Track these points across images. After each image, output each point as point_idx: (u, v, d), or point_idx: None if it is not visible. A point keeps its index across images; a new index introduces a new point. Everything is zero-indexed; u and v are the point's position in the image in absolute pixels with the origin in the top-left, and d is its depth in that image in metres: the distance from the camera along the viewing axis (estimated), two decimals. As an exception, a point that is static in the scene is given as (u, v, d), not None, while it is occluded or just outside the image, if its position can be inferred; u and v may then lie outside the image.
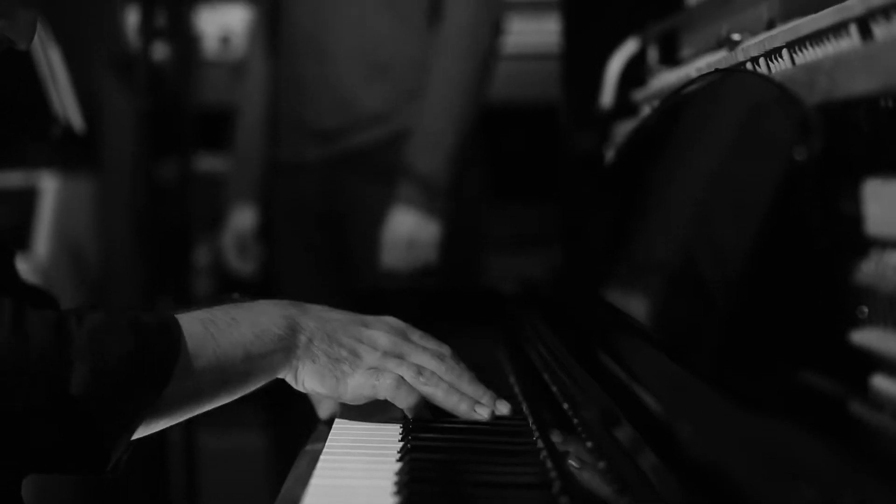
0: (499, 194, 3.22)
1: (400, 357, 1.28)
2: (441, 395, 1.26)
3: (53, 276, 3.19)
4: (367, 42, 2.77)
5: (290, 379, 1.25)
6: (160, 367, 1.12)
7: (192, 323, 1.16)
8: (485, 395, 1.29)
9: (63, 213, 3.35)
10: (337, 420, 1.31)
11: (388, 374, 1.25)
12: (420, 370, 1.27)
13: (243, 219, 3.01)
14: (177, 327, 1.14)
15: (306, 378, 1.24)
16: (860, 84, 0.98)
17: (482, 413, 1.27)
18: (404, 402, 1.24)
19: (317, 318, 1.27)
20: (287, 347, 1.23)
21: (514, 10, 3.55)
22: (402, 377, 1.25)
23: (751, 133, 1.14)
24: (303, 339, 1.24)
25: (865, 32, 1.05)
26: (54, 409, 1.05)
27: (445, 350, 1.33)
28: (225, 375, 1.18)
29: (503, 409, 1.28)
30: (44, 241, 3.26)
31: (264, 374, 1.23)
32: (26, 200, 3.31)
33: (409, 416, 1.25)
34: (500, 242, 3.47)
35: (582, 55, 2.53)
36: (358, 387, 1.24)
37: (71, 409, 1.05)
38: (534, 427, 1.22)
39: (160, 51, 3.24)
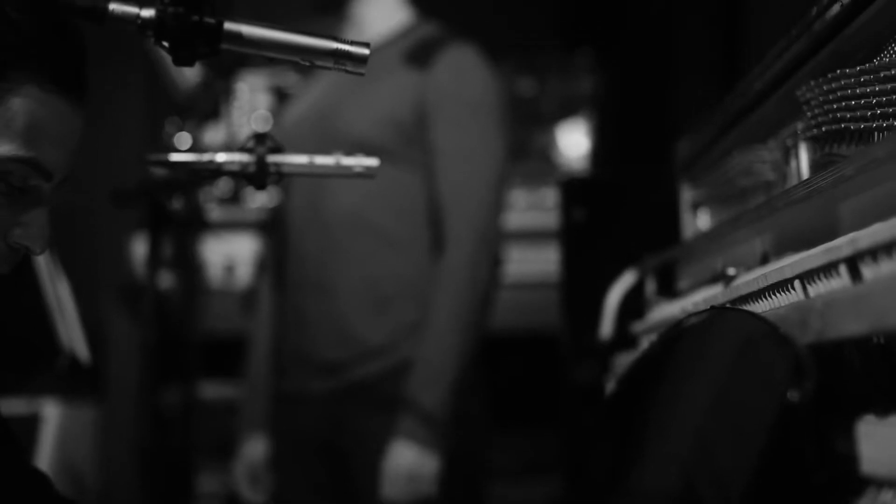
0: (499, 422, 3.21)
1: None
2: None
3: (53, 505, 3.16)
4: (369, 277, 2.81)
5: None
6: None
7: None
8: None
9: (65, 441, 3.34)
10: None
11: None
12: None
13: (254, 449, 3.00)
14: None
15: None
16: (851, 325, 1.01)
17: None
18: None
19: None
20: None
21: (513, 240, 3.60)
22: None
23: (747, 373, 1.16)
24: None
25: (855, 273, 1.08)
26: None
27: None
28: None
29: None
30: (44, 468, 3.25)
31: None
32: (28, 427, 3.31)
33: None
34: (500, 471, 3.45)
35: (581, 284, 2.57)
36: None
37: None
38: None
39: (166, 280, 3.29)
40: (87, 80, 1.28)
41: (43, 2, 1.25)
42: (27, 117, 1.21)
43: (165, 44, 1.31)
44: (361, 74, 1.39)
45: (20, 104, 1.21)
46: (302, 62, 1.37)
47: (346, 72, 1.38)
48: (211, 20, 1.32)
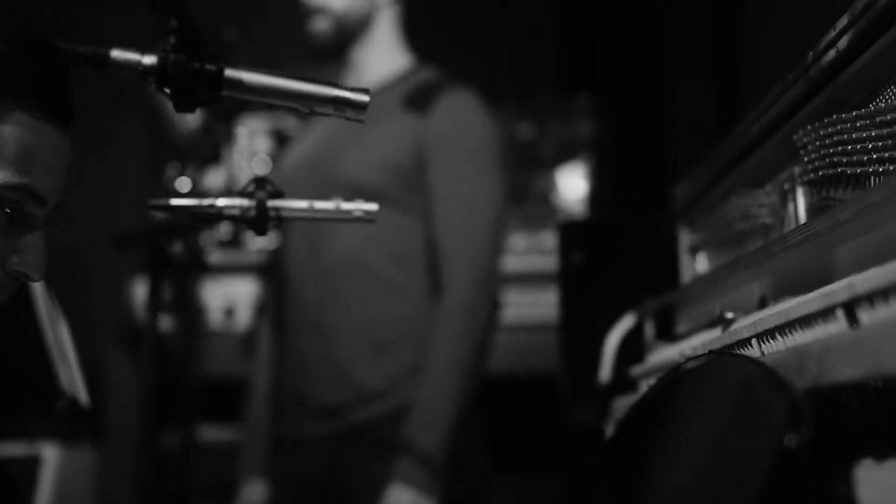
0: (498, 465, 3.20)
1: None
2: None
3: (52, 549, 3.15)
4: (368, 321, 2.82)
5: None
6: None
7: None
8: None
9: (64, 484, 3.33)
10: None
11: None
12: None
13: (254, 492, 2.99)
14: None
15: None
16: (848, 369, 1.01)
17: None
18: None
19: None
20: None
21: (511, 283, 3.60)
22: None
23: (744, 417, 1.16)
24: None
25: (852, 317, 1.09)
26: None
27: None
28: None
29: None
30: (43, 512, 3.24)
31: None
32: (28, 470, 3.30)
33: None
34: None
35: (579, 327, 2.56)
36: None
37: None
38: None
39: (166, 322, 3.28)
40: (74, 107, 1.29)
41: (43, 47, 1.26)
42: (18, 144, 1.22)
43: (167, 90, 1.32)
44: (361, 121, 1.39)
45: (10, 132, 1.22)
46: (302, 109, 1.38)
47: (346, 118, 1.38)
48: (212, 67, 1.32)
